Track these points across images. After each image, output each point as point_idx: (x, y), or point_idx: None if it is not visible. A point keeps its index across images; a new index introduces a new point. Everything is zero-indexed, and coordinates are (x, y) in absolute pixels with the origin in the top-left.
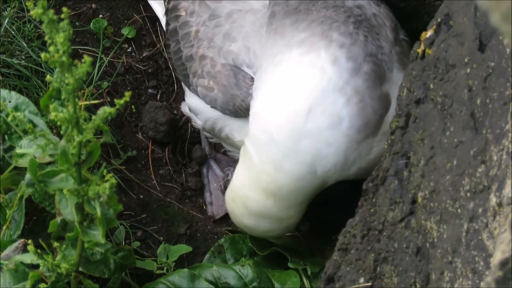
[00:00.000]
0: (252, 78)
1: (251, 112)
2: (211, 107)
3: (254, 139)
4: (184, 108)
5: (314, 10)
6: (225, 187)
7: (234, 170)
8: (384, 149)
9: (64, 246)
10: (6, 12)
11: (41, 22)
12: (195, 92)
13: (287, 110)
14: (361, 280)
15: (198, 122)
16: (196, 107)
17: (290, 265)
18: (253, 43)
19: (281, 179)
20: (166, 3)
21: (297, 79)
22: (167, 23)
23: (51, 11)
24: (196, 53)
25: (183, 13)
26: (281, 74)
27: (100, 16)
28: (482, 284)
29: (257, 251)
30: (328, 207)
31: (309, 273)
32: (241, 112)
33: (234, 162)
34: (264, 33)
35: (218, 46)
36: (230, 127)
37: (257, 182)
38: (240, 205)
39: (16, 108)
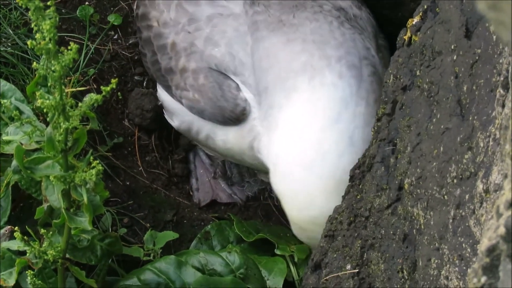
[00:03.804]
0: (237, 86)
1: (275, 138)
2: (199, 117)
3: (293, 154)
4: (159, 91)
5: (299, 25)
6: (212, 174)
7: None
8: None
9: (51, 232)
10: None
11: (27, 9)
12: (179, 102)
13: (325, 121)
14: (348, 266)
15: (173, 123)
16: (170, 106)
17: (277, 251)
18: (238, 51)
19: (340, 172)
20: (135, 8)
21: (318, 98)
22: (139, 29)
23: None
24: (175, 66)
25: (155, 24)
26: (300, 101)
27: (86, 3)
28: (469, 270)
29: (244, 238)
30: None
31: (296, 259)
32: (231, 121)
33: None
34: (249, 43)
35: (200, 50)
36: (211, 127)
37: (307, 187)
38: (309, 226)
39: (3, 95)
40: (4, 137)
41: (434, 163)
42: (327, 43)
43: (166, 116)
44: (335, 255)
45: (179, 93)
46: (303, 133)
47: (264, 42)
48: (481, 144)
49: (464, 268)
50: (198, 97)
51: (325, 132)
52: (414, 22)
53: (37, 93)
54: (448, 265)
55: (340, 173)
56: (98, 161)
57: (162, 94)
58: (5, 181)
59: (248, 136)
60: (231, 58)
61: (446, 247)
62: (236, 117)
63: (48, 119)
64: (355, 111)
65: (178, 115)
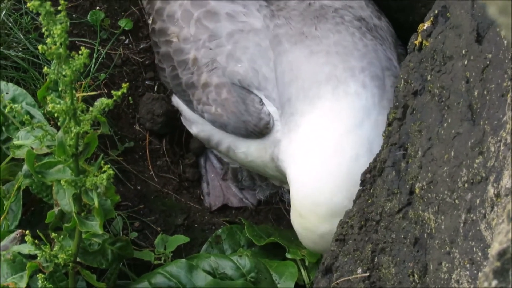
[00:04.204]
0: (261, 100)
1: (296, 139)
2: (221, 130)
3: (314, 155)
4: (175, 99)
5: (322, 37)
6: (223, 178)
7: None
8: None
9: (61, 236)
10: (3, 4)
11: (38, 14)
12: (201, 116)
13: (346, 126)
14: (359, 270)
15: (192, 130)
16: (189, 116)
17: (287, 255)
18: (261, 66)
19: (355, 178)
20: (149, 21)
21: (341, 107)
22: (156, 44)
23: (48, 3)
24: (197, 81)
25: (174, 39)
26: (323, 108)
27: (97, 8)
28: (480, 274)
29: (255, 242)
30: None
31: (306, 263)
32: (254, 135)
33: None
34: (272, 57)
35: (222, 67)
36: (233, 140)
37: (327, 187)
38: (308, 214)
39: (14, 100)
40: (15, 142)
41: (445, 168)
42: (350, 54)
43: (183, 122)
44: (346, 259)
45: (201, 107)
46: (324, 135)
47: (287, 56)
48: (492, 149)
49: (475, 272)
50: (221, 111)
51: (346, 136)
52: (425, 27)
53: (48, 98)
54: (459, 269)
55: (354, 175)
56: (109, 166)
57: (179, 104)
58: (16, 185)
59: (270, 148)
60: (254, 74)
61: (457, 251)
62: (259, 130)
63: (59, 124)
64: (377, 120)
65: (198, 124)
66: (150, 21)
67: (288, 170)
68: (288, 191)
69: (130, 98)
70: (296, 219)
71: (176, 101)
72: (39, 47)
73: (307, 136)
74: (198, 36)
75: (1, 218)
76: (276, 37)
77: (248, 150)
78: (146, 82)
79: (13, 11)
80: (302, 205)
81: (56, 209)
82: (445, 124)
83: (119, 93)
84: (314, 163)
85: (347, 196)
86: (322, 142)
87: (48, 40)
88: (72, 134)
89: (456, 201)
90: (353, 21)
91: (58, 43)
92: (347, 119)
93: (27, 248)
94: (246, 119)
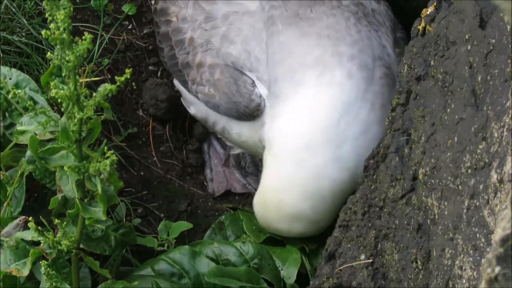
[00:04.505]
0: (253, 82)
1: (274, 126)
2: (214, 111)
3: (287, 148)
4: (176, 81)
5: (315, 19)
6: (226, 164)
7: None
8: None
9: (65, 223)
10: None
11: None
12: (195, 96)
13: (319, 126)
14: (362, 257)
15: (190, 110)
16: (187, 97)
17: (287, 246)
18: (253, 47)
19: (322, 185)
20: (153, 3)
21: (322, 98)
22: (157, 24)
23: None
24: (192, 61)
25: (174, 19)
26: (306, 95)
27: None
28: (483, 260)
29: (254, 239)
30: None
31: (307, 250)
32: (245, 117)
33: None
34: (264, 38)
35: (216, 48)
36: (227, 121)
37: (292, 186)
38: (272, 210)
39: (17, 85)
40: (19, 127)
41: (448, 153)
42: (342, 39)
43: (183, 103)
44: (349, 245)
45: (195, 88)
46: (298, 132)
47: (279, 36)
48: (495, 134)
49: (478, 258)
50: (213, 92)
51: (320, 135)
52: (428, 12)
53: (52, 83)
54: (462, 255)
55: (320, 186)
56: (112, 151)
57: (179, 85)
58: (19, 171)
59: (259, 130)
60: (246, 55)
61: (460, 237)
62: (250, 112)
63: (62, 109)
64: (357, 115)
65: (195, 104)
66: (153, 1)
67: (264, 156)
68: None
69: (133, 83)
70: (259, 204)
71: (177, 83)
72: (43, 32)
73: (283, 128)
74: (195, 17)
75: (4, 204)
76: (271, 18)
77: (241, 131)
78: (150, 67)
79: None
80: (268, 199)
81: (59, 195)
82: (448, 110)
83: (123, 78)
84: (285, 162)
85: (312, 206)
86: (294, 140)
87: (52, 25)
88: (76, 120)
89: (459, 187)
90: (350, 5)
91: (61, 29)
92: (325, 115)
93: (30, 235)
94: (237, 100)
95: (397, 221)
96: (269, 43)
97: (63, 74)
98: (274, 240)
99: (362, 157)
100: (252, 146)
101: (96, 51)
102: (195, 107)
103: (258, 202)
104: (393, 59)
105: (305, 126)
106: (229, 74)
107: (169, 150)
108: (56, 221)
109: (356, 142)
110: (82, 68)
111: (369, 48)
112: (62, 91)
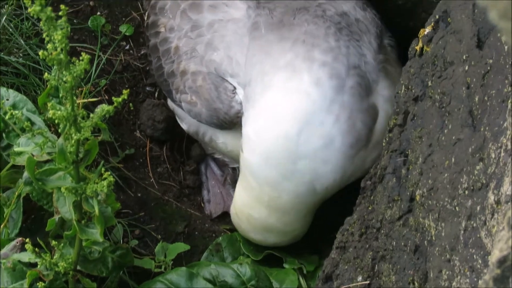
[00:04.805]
0: (234, 88)
1: (244, 133)
2: (197, 120)
3: (249, 162)
4: (171, 103)
5: (296, 25)
6: (223, 184)
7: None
8: (377, 155)
9: (62, 244)
10: (4, 10)
11: (39, 20)
12: (180, 106)
13: (279, 134)
14: (359, 278)
15: (183, 126)
16: (178, 113)
17: (285, 265)
18: (235, 53)
19: (282, 199)
20: (146, 18)
21: (285, 105)
22: (147, 38)
23: (49, 9)
24: (177, 69)
25: (162, 29)
26: (270, 100)
27: (98, 13)
28: (480, 282)
29: (252, 257)
30: (325, 205)
31: (304, 271)
32: (226, 124)
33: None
34: (247, 43)
35: (200, 56)
36: (213, 131)
37: (258, 202)
38: (244, 221)
39: (14, 106)
40: (16, 149)
41: (446, 174)
42: (317, 45)
43: (178, 121)
44: (346, 267)
45: (179, 96)
46: (262, 137)
47: (260, 40)
48: (493, 155)
49: (475, 279)
50: (195, 99)
51: (282, 143)
52: (426, 32)
53: (49, 104)
54: (459, 277)
55: (279, 202)
56: (109, 173)
57: (171, 103)
58: (16, 193)
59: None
60: (228, 61)
61: (457, 258)
62: (230, 119)
63: (59, 130)
64: (321, 124)
65: (186, 119)
66: (145, 17)
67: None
68: None
69: (130, 104)
70: (234, 217)
71: (170, 103)
72: (40, 53)
73: (249, 135)
74: (181, 26)
75: (1, 226)
76: (255, 24)
77: (226, 140)
78: (147, 88)
79: (14, 16)
80: (240, 213)
81: (56, 217)
82: (445, 130)
83: (120, 99)
84: (250, 176)
85: (279, 220)
86: (257, 150)
87: (49, 46)
88: (73, 141)
89: (457, 208)
90: (334, 16)
91: (58, 49)
92: (286, 124)
93: (27, 256)
94: (217, 107)
95: (394, 243)
96: (250, 47)
97: (60, 95)
98: (273, 259)
99: (320, 170)
100: (238, 156)
101: (93, 72)
102: (186, 122)
103: (233, 214)
104: (372, 66)
105: (266, 134)
106: (211, 80)
107: (166, 171)
108: (53, 242)
109: (315, 155)
110: (80, 89)
111: (345, 56)
112: (59, 112)
